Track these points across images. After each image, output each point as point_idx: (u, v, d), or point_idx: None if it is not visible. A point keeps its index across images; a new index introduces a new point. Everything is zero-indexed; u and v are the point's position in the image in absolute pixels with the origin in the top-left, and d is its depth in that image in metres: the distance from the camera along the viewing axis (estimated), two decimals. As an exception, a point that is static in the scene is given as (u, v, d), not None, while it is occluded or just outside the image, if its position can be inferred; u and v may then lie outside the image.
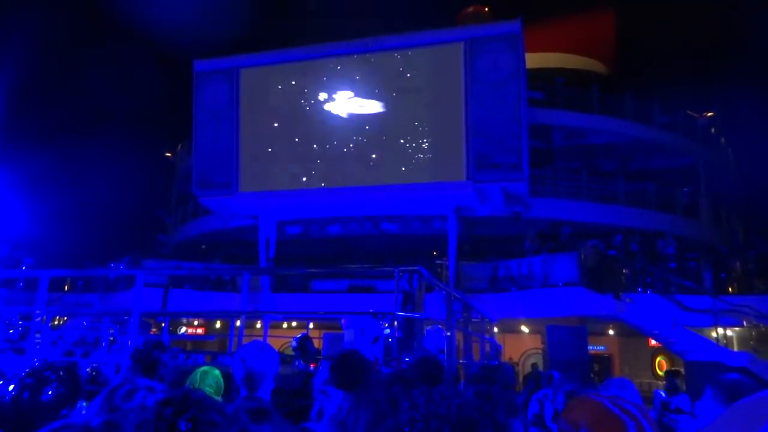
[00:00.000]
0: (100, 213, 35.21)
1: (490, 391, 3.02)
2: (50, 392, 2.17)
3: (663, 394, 7.00)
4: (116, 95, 37.92)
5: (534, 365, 16.63)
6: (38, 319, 7.36)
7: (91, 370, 7.16)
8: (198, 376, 3.74)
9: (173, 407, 1.47)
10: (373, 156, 17.91)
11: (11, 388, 2.18)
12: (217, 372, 3.84)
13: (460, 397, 1.28)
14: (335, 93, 18.48)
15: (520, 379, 15.16)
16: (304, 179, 18.25)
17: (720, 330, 14.79)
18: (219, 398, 3.71)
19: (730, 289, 15.69)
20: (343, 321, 7.75)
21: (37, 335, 6.89)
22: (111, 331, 9.11)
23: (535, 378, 7.04)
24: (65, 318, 13.68)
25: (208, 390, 3.63)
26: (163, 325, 11.51)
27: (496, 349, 10.82)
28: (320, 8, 33.25)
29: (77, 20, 37.23)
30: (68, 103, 37.65)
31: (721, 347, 14.21)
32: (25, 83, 30.97)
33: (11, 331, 7.65)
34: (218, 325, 19.88)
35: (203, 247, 24.22)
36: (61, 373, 2.26)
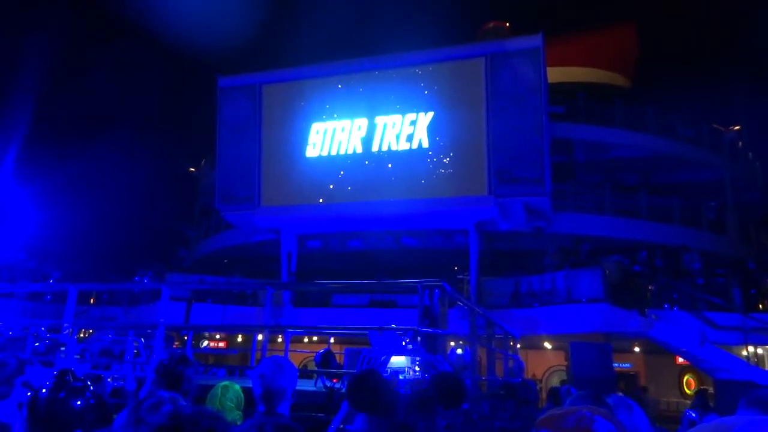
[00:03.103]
0: (124, 227, 35.77)
1: (504, 406, 2.95)
2: (80, 402, 2.23)
3: (693, 414, 6.81)
4: (140, 110, 38.71)
5: (563, 382, 16.34)
6: (66, 332, 7.46)
7: (114, 382, 7.22)
8: (219, 391, 3.75)
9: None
10: (394, 170, 17.93)
11: (44, 391, 2.26)
12: (237, 387, 3.84)
13: (485, 422, 1.26)
14: (357, 107, 18.62)
15: (543, 395, 14.91)
16: (326, 194, 18.34)
17: (750, 348, 14.41)
18: (239, 413, 3.72)
19: (760, 306, 15.28)
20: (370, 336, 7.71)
21: (62, 348, 6.99)
22: (135, 345, 9.20)
23: (553, 394, 6.94)
24: (91, 331, 13.87)
25: (229, 405, 3.64)
26: (186, 338, 11.61)
27: (519, 366, 10.68)
28: (339, 24, 33.64)
29: (103, 35, 38.18)
30: (92, 117, 38.51)
31: (752, 366, 13.83)
32: (49, 97, 31.80)
33: (37, 344, 7.77)
34: (240, 339, 19.95)
35: (225, 261, 24.41)
36: (90, 386, 2.32)
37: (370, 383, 3.03)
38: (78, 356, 7.45)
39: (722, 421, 0.84)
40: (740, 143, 22.98)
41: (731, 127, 22.76)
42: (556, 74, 21.70)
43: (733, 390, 12.61)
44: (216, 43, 31.12)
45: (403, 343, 7.05)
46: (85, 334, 13.65)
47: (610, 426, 1.19)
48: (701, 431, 0.87)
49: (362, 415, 2.95)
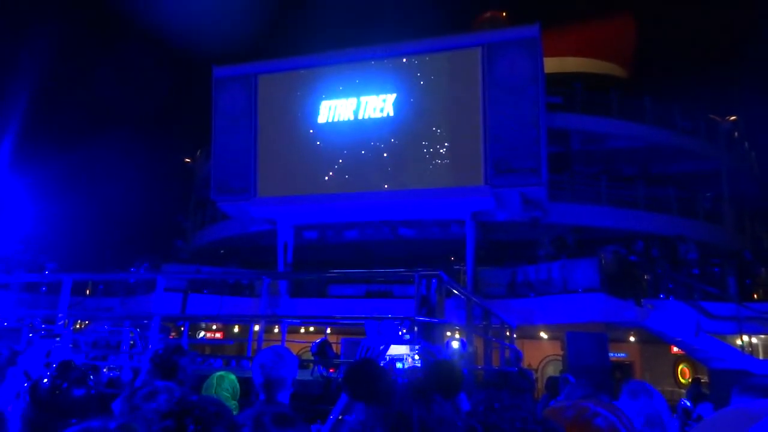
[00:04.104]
0: (120, 218, 35.68)
1: (499, 395, 2.91)
2: (81, 391, 2.25)
3: (687, 403, 6.85)
4: (135, 101, 38.48)
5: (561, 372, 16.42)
6: (61, 322, 7.45)
7: (111, 372, 7.22)
8: (214, 380, 3.75)
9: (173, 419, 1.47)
10: (391, 161, 17.91)
11: (45, 380, 2.27)
12: (232, 377, 3.84)
13: (508, 411, 1.22)
14: (353, 98, 18.54)
15: (540, 385, 14.98)
16: (322, 184, 18.30)
17: (745, 337, 14.48)
18: (235, 402, 3.71)
19: (755, 296, 15.35)
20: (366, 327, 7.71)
21: (57, 339, 6.98)
22: (131, 335, 9.19)
23: (552, 384, 6.97)
24: (87, 322, 13.85)
25: (224, 394, 3.64)
26: (182, 329, 11.60)
27: (516, 356, 10.71)
28: (336, 13, 33.44)
29: (97, 25, 37.88)
30: (88, 108, 38.29)
31: (746, 355, 13.91)
32: (44, 89, 31.60)
33: (32, 335, 7.76)
34: (236, 329, 19.96)
35: (221, 251, 24.38)
36: (91, 376, 2.35)
37: (367, 372, 3.02)
38: (72, 346, 7.45)
39: (746, 407, 0.80)
40: (736, 134, 22.99)
41: (728, 118, 22.76)
42: (553, 64, 21.63)
43: (727, 379, 12.67)
44: (211, 33, 30.91)
45: (400, 333, 7.05)
46: (81, 324, 13.63)
47: (613, 418, 1.17)
48: (724, 417, 0.83)
49: (360, 404, 2.94)
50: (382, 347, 6.10)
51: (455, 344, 6.97)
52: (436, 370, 3.53)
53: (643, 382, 2.90)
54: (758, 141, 24.31)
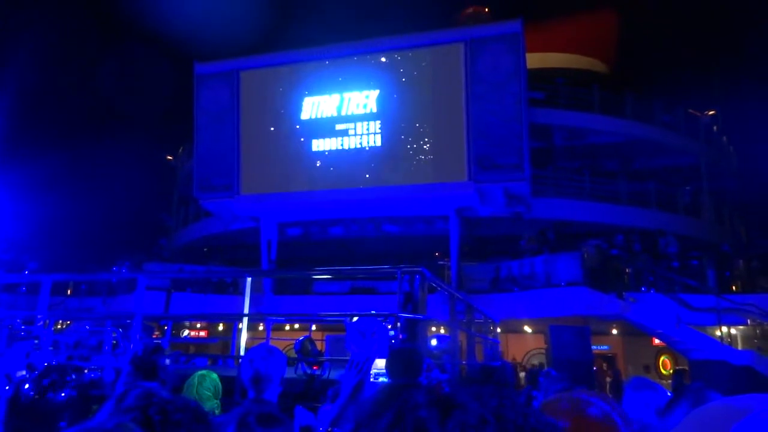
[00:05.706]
0: (102, 217, 35.24)
1: (481, 391, 2.97)
2: (63, 394, 2.24)
3: (669, 394, 6.94)
4: (117, 98, 37.97)
5: (540, 365, 16.59)
6: (40, 323, 7.35)
7: (92, 373, 7.14)
8: (195, 379, 3.73)
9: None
10: (375, 157, 17.89)
11: (27, 386, 2.26)
12: (214, 375, 3.83)
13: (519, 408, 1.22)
14: (336, 94, 18.49)
15: (523, 379, 15.10)
16: (305, 181, 18.24)
17: (724, 328, 14.73)
18: (217, 401, 3.71)
19: (733, 288, 15.63)
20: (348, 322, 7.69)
21: (36, 341, 6.89)
22: (114, 335, 9.09)
23: (533, 375, 7.06)
24: (68, 322, 13.68)
25: (206, 393, 3.63)
26: (165, 328, 11.52)
27: (500, 350, 10.79)
28: (320, 9, 33.29)
29: (79, 24, 37.29)
30: (70, 107, 37.75)
31: (725, 346, 14.16)
32: (27, 87, 31.05)
33: (10, 337, 7.65)
34: (221, 327, 19.85)
35: (205, 249, 24.22)
36: (74, 376, 2.33)
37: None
38: (52, 347, 7.36)
39: (731, 402, 0.79)
40: (715, 128, 23.30)
41: (707, 112, 23.06)
42: (535, 60, 21.73)
43: (707, 369, 12.91)
44: (193, 29, 30.60)
45: (389, 326, 7.05)
46: (62, 325, 13.47)
47: (607, 407, 1.18)
48: (709, 412, 0.83)
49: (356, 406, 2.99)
50: (366, 361, 6.07)
51: (433, 342, 7.00)
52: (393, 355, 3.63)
53: (645, 378, 2.92)
54: (737, 135, 24.69)
